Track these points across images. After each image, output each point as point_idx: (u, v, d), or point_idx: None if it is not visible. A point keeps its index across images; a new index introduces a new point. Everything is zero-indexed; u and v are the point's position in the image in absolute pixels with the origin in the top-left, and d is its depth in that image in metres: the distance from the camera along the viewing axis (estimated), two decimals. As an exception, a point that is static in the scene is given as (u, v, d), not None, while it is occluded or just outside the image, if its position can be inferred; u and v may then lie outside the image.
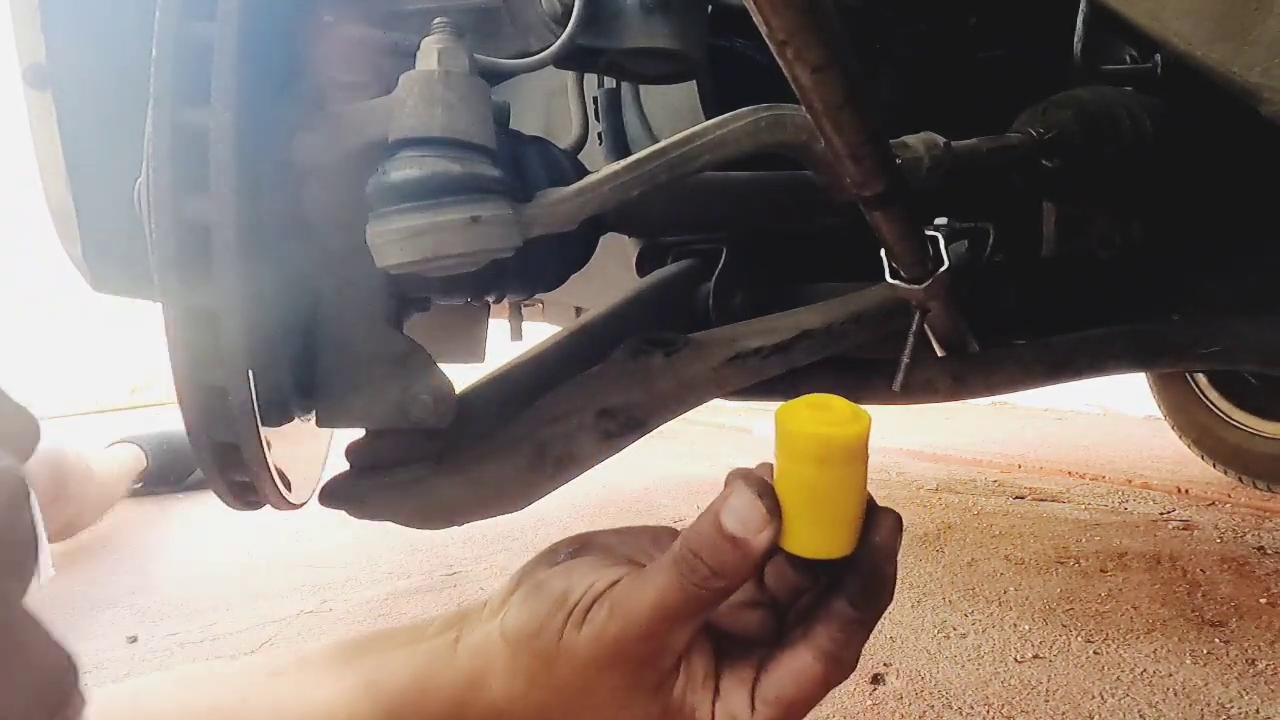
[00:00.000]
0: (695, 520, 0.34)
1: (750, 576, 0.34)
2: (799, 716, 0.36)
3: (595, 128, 0.73)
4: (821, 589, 0.37)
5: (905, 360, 0.55)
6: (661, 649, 0.35)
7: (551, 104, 0.85)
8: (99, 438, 1.97)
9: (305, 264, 0.43)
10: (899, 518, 0.35)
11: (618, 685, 0.36)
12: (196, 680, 0.45)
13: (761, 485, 0.34)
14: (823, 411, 0.33)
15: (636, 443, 0.51)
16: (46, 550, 1.30)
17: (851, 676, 0.88)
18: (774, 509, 0.33)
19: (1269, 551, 1.27)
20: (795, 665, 0.35)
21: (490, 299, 0.58)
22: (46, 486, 1.42)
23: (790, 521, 0.33)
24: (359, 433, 0.49)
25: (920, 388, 0.63)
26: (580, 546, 0.41)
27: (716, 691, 0.36)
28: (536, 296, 0.59)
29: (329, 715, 0.41)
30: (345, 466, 0.50)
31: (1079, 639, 0.99)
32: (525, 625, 0.38)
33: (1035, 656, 0.95)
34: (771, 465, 0.35)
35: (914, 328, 0.54)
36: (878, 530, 0.35)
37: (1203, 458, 1.67)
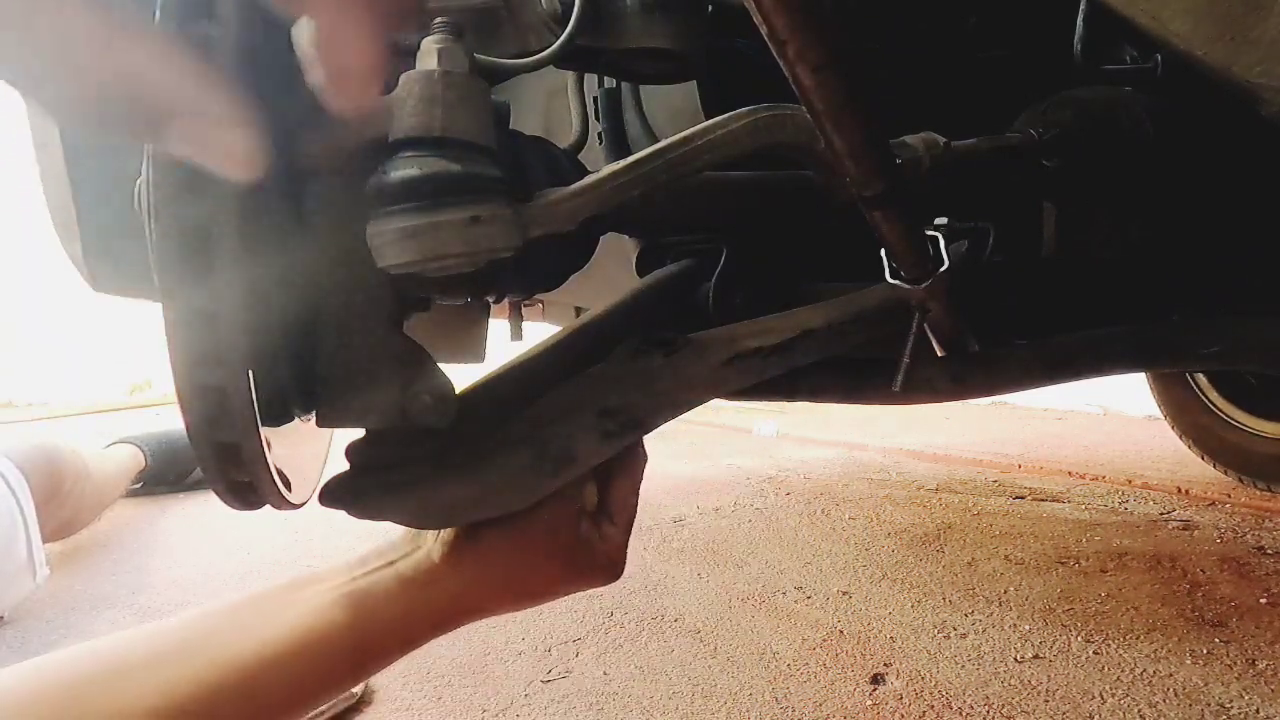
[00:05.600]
0: None
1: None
2: (632, 511, 0.57)
3: (595, 128, 0.73)
4: None
5: (905, 360, 0.55)
6: (575, 516, 0.53)
7: (551, 104, 0.85)
8: (98, 437, 1.97)
9: (305, 264, 0.43)
10: None
11: (552, 550, 0.52)
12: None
13: None
14: None
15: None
16: (41, 550, 1.30)
17: (852, 676, 0.90)
18: None
19: (1269, 551, 1.27)
20: (617, 477, 0.56)
21: (490, 299, 0.58)
22: (42, 484, 1.41)
23: None
24: (359, 432, 0.49)
25: (920, 387, 0.63)
26: None
27: (596, 528, 0.55)
28: (536, 296, 0.59)
29: (306, 629, 0.47)
30: (345, 466, 0.50)
31: (1079, 639, 0.99)
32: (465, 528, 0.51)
33: (1035, 656, 0.96)
34: None
35: (914, 328, 0.54)
36: None
37: (1203, 458, 1.67)
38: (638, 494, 0.58)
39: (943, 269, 0.49)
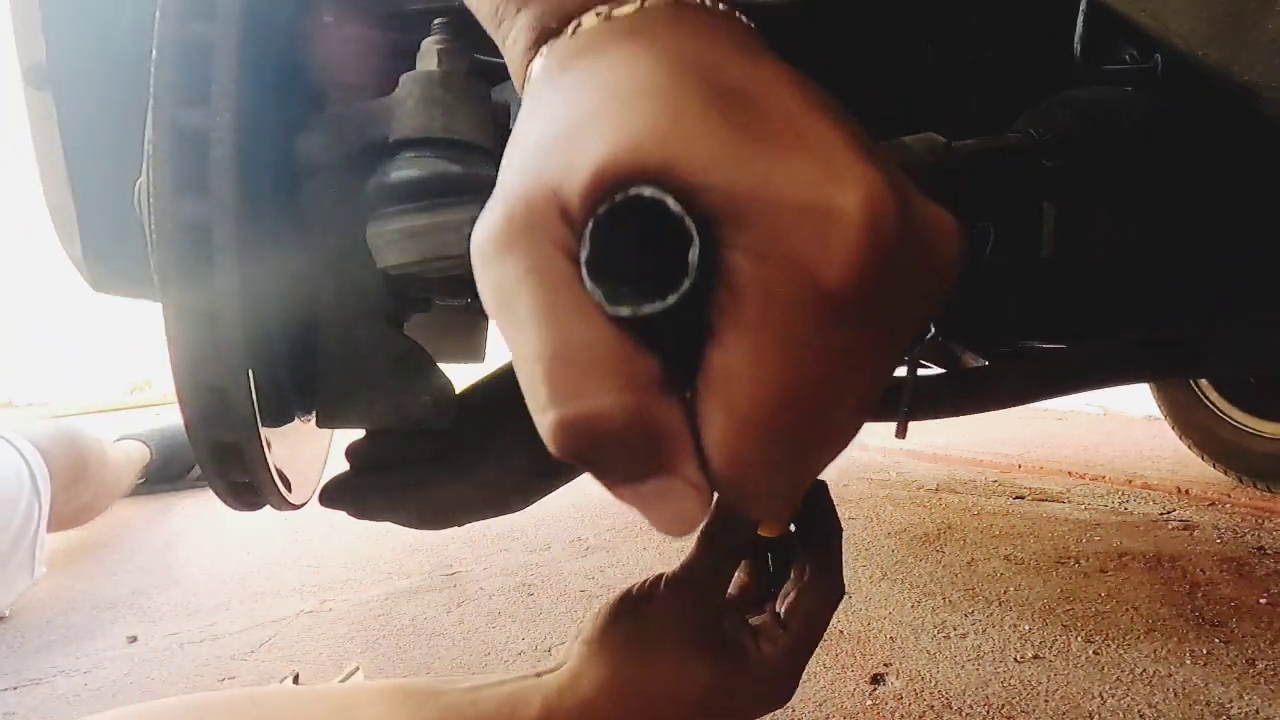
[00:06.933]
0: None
1: (746, 538, 0.47)
2: (815, 626, 0.47)
3: (595, 128, 0.73)
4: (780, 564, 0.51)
5: (904, 410, 0.55)
6: (710, 602, 0.46)
7: (551, 104, 0.85)
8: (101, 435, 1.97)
9: (305, 264, 0.43)
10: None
11: (684, 640, 0.45)
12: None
13: None
14: None
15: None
16: (44, 548, 1.30)
17: (852, 676, 0.91)
18: None
19: (1269, 551, 1.27)
20: (809, 589, 0.47)
21: (490, 299, 0.58)
22: (64, 468, 1.39)
23: None
24: (359, 432, 0.49)
25: (924, 407, 0.63)
26: None
27: (749, 628, 0.48)
28: (536, 297, 0.59)
29: None
30: (345, 466, 0.50)
31: (1079, 639, 0.99)
32: (601, 622, 0.46)
33: (1035, 656, 0.95)
34: None
35: (909, 375, 0.54)
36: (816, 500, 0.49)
37: (1203, 458, 1.67)
38: (830, 615, 0.49)
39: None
